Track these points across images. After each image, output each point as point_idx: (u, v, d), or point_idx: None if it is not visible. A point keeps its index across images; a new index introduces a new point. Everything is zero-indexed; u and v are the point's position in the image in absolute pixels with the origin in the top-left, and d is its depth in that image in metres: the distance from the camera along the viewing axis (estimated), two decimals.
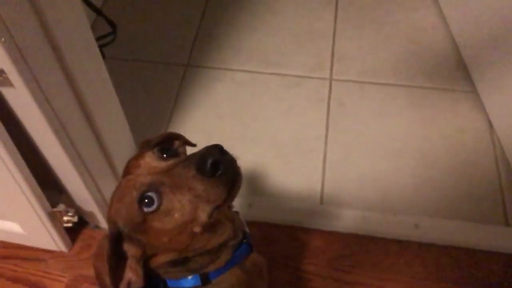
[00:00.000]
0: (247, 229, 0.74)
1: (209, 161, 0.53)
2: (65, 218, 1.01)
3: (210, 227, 0.60)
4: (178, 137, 0.75)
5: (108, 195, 1.07)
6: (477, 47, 1.33)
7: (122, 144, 1.12)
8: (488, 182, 1.19)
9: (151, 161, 0.61)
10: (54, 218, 1.00)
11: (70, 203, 1.03)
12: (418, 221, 1.13)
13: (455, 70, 1.38)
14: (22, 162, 0.85)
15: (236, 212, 0.74)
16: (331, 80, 1.39)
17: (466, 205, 1.16)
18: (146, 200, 0.56)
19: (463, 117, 1.30)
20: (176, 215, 0.56)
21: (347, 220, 1.14)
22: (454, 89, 1.35)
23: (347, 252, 1.10)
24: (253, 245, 0.71)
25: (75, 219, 1.02)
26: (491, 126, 1.27)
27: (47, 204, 0.97)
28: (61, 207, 0.99)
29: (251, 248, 0.71)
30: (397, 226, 1.12)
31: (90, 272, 1.08)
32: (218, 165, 0.54)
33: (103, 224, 1.12)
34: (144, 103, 1.35)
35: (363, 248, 1.11)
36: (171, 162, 0.59)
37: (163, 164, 0.59)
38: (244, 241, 0.70)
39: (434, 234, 1.12)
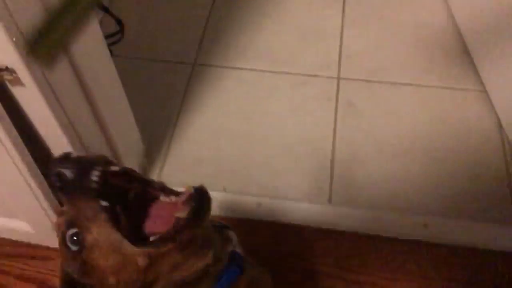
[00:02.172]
0: (237, 248, 0.64)
1: (52, 174, 0.47)
2: None
3: (161, 256, 0.51)
4: None
5: None
6: (487, 46, 1.32)
7: (130, 143, 1.13)
8: (497, 181, 1.18)
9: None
10: None
11: None
12: (427, 221, 1.12)
13: (464, 69, 1.37)
14: (32, 161, 0.85)
15: (226, 227, 0.67)
16: (338, 78, 1.38)
17: (475, 205, 1.15)
18: (74, 238, 0.51)
19: (472, 116, 1.29)
20: (103, 248, 0.50)
21: (356, 219, 1.14)
22: (463, 88, 1.34)
23: (356, 252, 1.10)
24: (244, 266, 0.62)
25: None
26: (500, 125, 1.26)
27: (56, 203, 0.97)
28: None
29: (241, 270, 0.62)
30: (406, 225, 1.12)
31: None
32: (61, 176, 0.47)
33: None
34: (151, 102, 1.35)
35: (371, 248, 1.10)
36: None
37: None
38: (232, 263, 0.61)
39: (443, 234, 1.11)
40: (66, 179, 0.48)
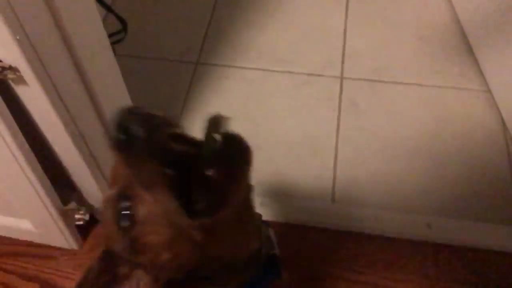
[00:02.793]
0: (276, 251, 0.60)
1: (118, 126, 0.41)
2: (77, 216, 1.01)
3: (215, 229, 0.47)
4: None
5: None
6: (490, 45, 1.31)
7: None
8: (501, 181, 1.18)
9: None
10: (66, 216, 1.00)
11: (82, 201, 1.03)
12: (430, 221, 1.12)
13: (468, 69, 1.37)
14: (35, 160, 0.85)
15: (267, 225, 0.62)
16: (342, 78, 1.38)
17: (479, 205, 1.15)
18: (126, 212, 0.45)
19: (476, 116, 1.28)
20: (158, 221, 0.45)
21: (359, 219, 1.13)
22: (467, 87, 1.34)
23: (359, 252, 1.10)
24: (280, 271, 0.59)
25: (87, 217, 1.02)
26: (504, 125, 1.26)
27: (59, 202, 0.97)
28: (73, 205, 0.99)
29: (279, 275, 0.58)
30: (409, 225, 1.11)
31: None
32: (128, 129, 0.41)
33: None
34: (154, 101, 1.35)
35: (375, 248, 1.10)
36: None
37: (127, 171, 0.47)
38: (271, 266, 0.57)
39: (446, 234, 1.11)
40: (133, 136, 0.41)
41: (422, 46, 1.43)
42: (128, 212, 0.45)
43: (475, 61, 1.37)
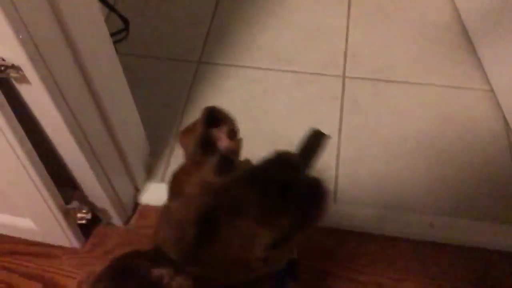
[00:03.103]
0: (295, 255, 0.62)
1: (274, 187, 0.43)
2: (79, 215, 1.01)
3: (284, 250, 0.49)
4: (224, 119, 0.59)
5: (121, 192, 1.07)
6: (493, 45, 1.31)
7: (135, 141, 1.12)
8: (504, 181, 1.18)
9: (205, 175, 0.49)
10: (68, 215, 1.00)
11: (84, 200, 1.03)
12: (432, 220, 1.11)
13: (471, 68, 1.36)
14: (37, 159, 0.85)
15: None
16: (344, 77, 1.37)
17: (482, 205, 1.15)
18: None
19: (479, 116, 1.28)
20: (232, 246, 0.46)
21: (361, 218, 1.13)
22: (470, 87, 1.33)
23: (361, 251, 1.09)
24: (299, 275, 0.60)
25: (89, 216, 1.02)
26: (507, 125, 1.25)
27: (61, 201, 0.97)
28: (75, 204, 0.99)
29: (295, 278, 0.60)
30: (411, 225, 1.11)
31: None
32: (287, 190, 0.43)
33: (116, 220, 1.12)
34: (156, 100, 1.35)
35: (376, 247, 1.10)
36: (227, 178, 0.48)
37: (218, 180, 0.48)
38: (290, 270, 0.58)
39: (449, 234, 1.11)
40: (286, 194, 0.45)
41: (425, 45, 1.42)
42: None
43: (478, 61, 1.37)
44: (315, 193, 0.46)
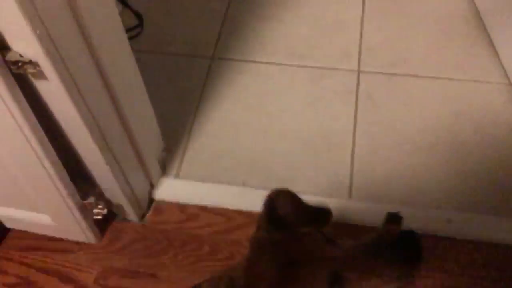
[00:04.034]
0: None
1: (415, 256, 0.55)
2: (95, 211, 1.02)
3: None
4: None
5: (136, 187, 1.07)
6: (511, 38, 1.29)
7: (149, 137, 1.13)
8: None
9: (320, 245, 0.59)
10: (85, 211, 1.00)
11: (100, 195, 1.04)
12: (450, 216, 1.10)
13: (488, 61, 1.34)
14: (54, 155, 0.86)
15: None
16: (359, 71, 1.36)
17: (500, 200, 1.13)
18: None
19: (496, 110, 1.26)
20: None
21: (377, 214, 1.11)
22: (487, 80, 1.31)
23: None
24: None
25: (105, 211, 1.02)
26: None
27: (78, 197, 0.97)
28: (91, 199, 1.00)
29: None
30: (429, 220, 1.10)
31: (119, 264, 1.09)
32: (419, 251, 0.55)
33: (131, 216, 1.12)
34: (170, 96, 1.35)
35: None
36: (348, 247, 0.57)
37: (337, 249, 0.57)
38: None
39: (466, 229, 1.09)
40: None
41: (441, 38, 1.40)
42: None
43: (495, 54, 1.34)
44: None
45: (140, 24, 1.44)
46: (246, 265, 0.58)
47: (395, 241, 0.55)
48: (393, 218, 0.61)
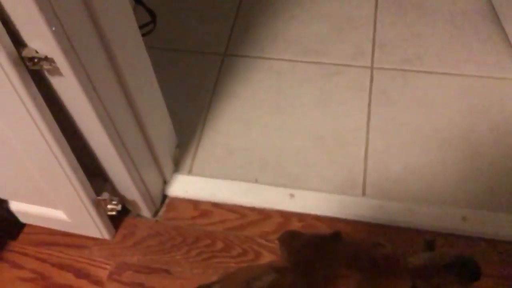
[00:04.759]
0: None
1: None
2: (109, 206, 1.02)
3: None
4: None
5: (150, 184, 1.08)
6: None
7: (162, 133, 1.13)
8: None
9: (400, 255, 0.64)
10: (99, 206, 1.01)
11: (114, 191, 1.04)
12: (465, 214, 1.09)
13: (503, 58, 1.32)
14: (69, 151, 0.86)
15: None
16: (372, 68, 1.35)
17: None
18: None
19: None
20: None
21: (391, 212, 1.11)
22: (502, 77, 1.29)
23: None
24: None
25: (119, 207, 1.03)
26: None
27: (92, 193, 0.98)
28: (106, 195, 1.00)
29: None
30: (443, 218, 1.09)
31: (133, 259, 1.10)
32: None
33: (145, 212, 1.13)
34: (182, 93, 1.35)
35: (407, 241, 1.08)
36: (419, 265, 0.62)
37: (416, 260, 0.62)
38: None
39: (482, 227, 1.08)
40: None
41: (456, 34, 1.39)
42: None
43: (511, 49, 1.32)
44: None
45: (153, 21, 1.44)
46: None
47: (459, 262, 0.60)
48: (430, 245, 0.66)
